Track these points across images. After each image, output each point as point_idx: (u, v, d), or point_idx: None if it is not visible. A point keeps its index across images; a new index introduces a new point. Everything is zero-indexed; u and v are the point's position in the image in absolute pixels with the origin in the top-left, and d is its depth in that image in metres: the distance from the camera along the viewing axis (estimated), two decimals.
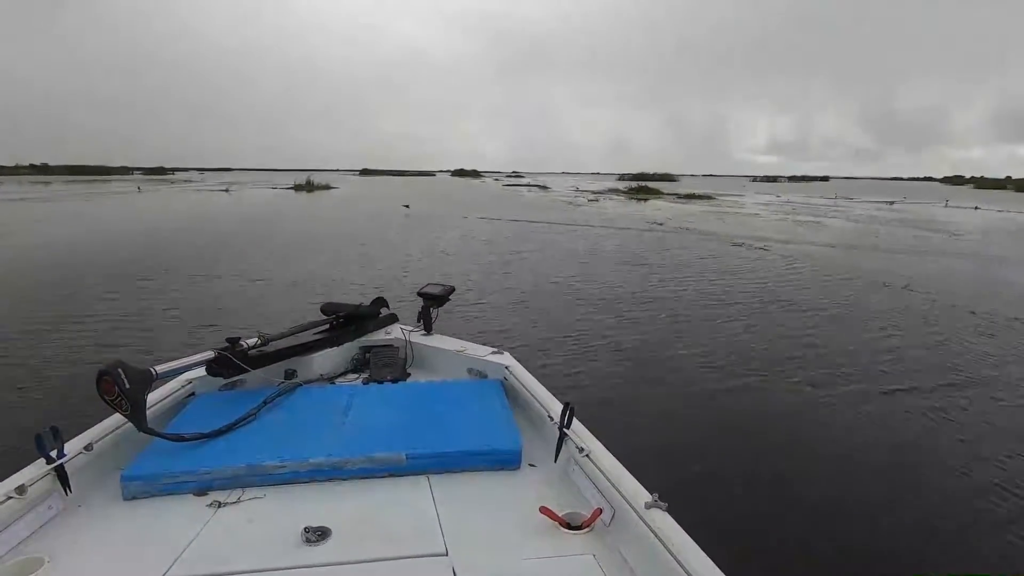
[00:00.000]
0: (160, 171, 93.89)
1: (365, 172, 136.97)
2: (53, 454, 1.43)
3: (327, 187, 43.12)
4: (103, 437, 1.61)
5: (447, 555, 1.26)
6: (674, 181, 78.27)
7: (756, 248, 12.54)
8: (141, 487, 1.49)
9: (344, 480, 1.57)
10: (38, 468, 1.40)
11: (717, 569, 1.06)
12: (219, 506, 1.46)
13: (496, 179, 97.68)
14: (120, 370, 1.55)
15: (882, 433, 3.64)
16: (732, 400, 4.08)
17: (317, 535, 1.31)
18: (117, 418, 1.66)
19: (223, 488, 1.52)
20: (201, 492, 1.51)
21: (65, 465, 1.43)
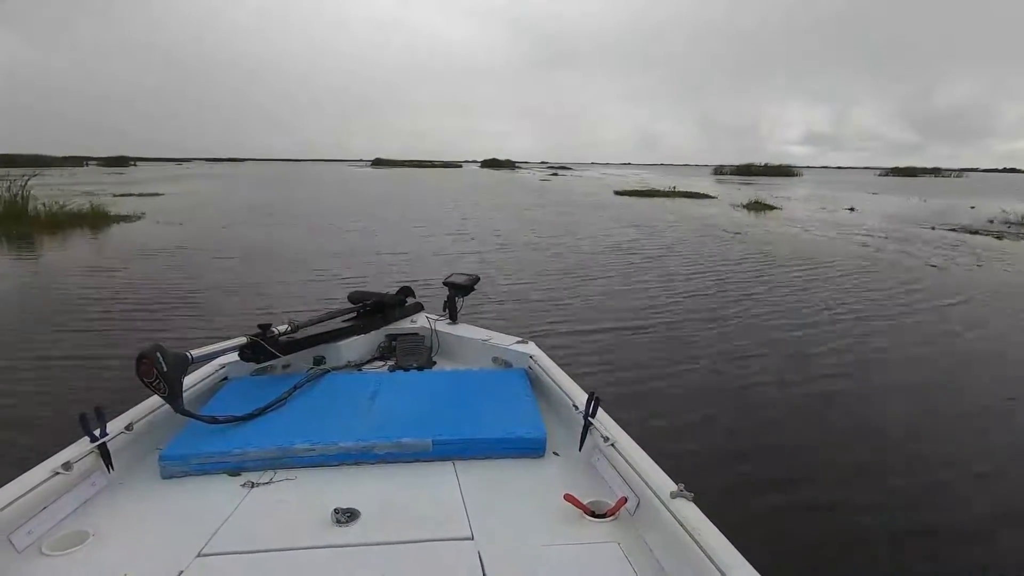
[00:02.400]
0: (120, 161, 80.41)
1: (378, 163, 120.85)
2: (96, 433, 1.49)
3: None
4: (142, 418, 1.67)
5: (472, 539, 1.28)
6: (794, 175, 64.89)
7: None
8: (178, 467, 1.55)
9: (372, 464, 1.60)
10: (82, 446, 1.47)
11: (745, 560, 1.04)
12: (252, 486, 1.50)
13: (523, 171, 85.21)
14: (159, 354, 1.60)
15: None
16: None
17: (347, 516, 1.34)
18: (155, 400, 1.72)
19: (256, 469, 1.57)
20: (235, 473, 1.56)
21: (107, 444, 1.50)
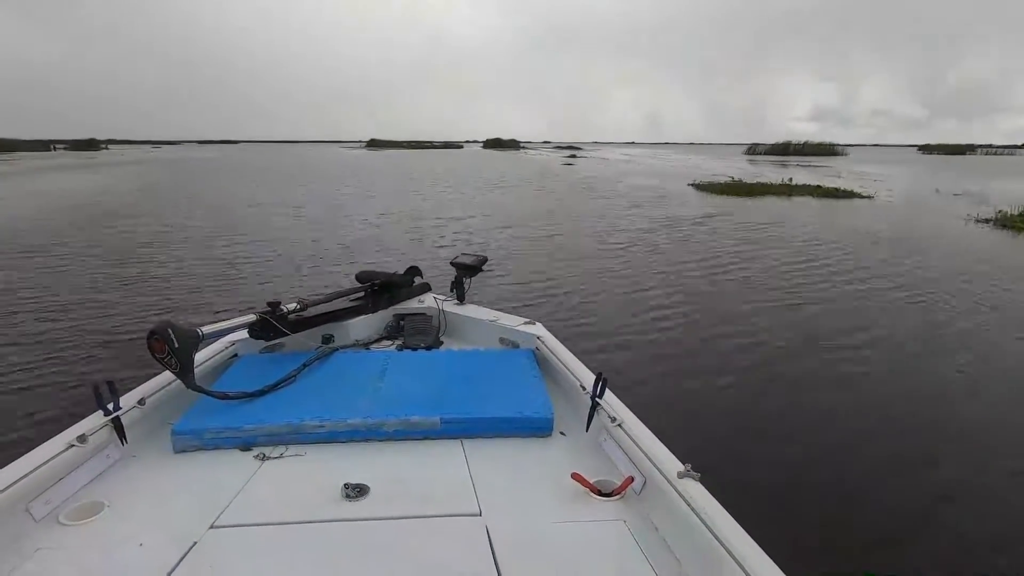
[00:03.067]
0: (89, 144, 75.83)
1: (373, 144, 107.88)
2: (110, 407, 1.52)
3: None
4: (154, 393, 1.70)
5: (480, 515, 1.30)
6: (837, 155, 57.17)
7: None
8: (190, 441, 1.57)
9: (380, 441, 1.62)
10: (96, 419, 1.49)
11: (750, 539, 1.05)
12: (263, 461, 1.53)
13: (530, 150, 77.22)
14: (169, 330, 1.62)
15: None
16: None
17: (356, 491, 1.36)
18: (167, 375, 1.74)
19: (266, 444, 1.59)
20: (246, 448, 1.58)
21: (121, 417, 1.52)
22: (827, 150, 59.73)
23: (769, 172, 27.33)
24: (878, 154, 79.50)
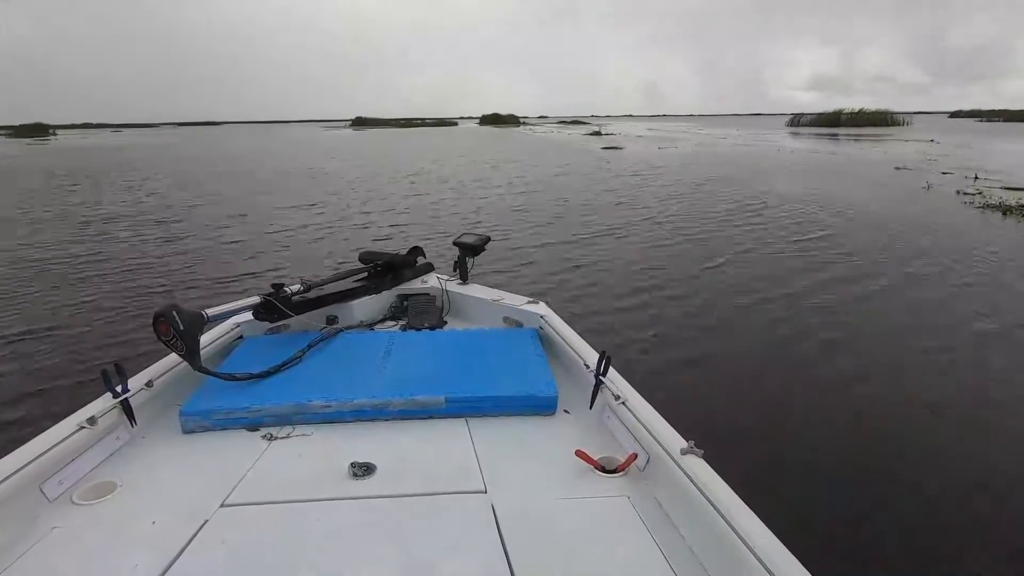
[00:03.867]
0: (35, 130, 69.26)
1: (359, 122, 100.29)
2: (118, 389, 1.53)
3: None
4: (162, 375, 1.72)
5: (486, 492, 1.32)
6: (898, 126, 49.16)
7: None
8: (198, 422, 1.60)
9: (386, 420, 1.64)
10: (105, 402, 1.51)
11: (753, 515, 1.07)
12: (271, 440, 1.55)
13: (536, 127, 67.70)
14: (175, 312, 1.62)
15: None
16: None
17: (363, 470, 1.38)
18: (173, 358, 1.76)
19: (273, 425, 1.61)
20: (253, 428, 1.60)
21: (129, 400, 1.54)
22: (883, 118, 51.30)
23: (910, 152, 21.79)
24: (931, 123, 65.82)
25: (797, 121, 56.58)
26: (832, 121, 52.08)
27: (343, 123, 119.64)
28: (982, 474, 2.70)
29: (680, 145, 29.71)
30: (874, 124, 50.16)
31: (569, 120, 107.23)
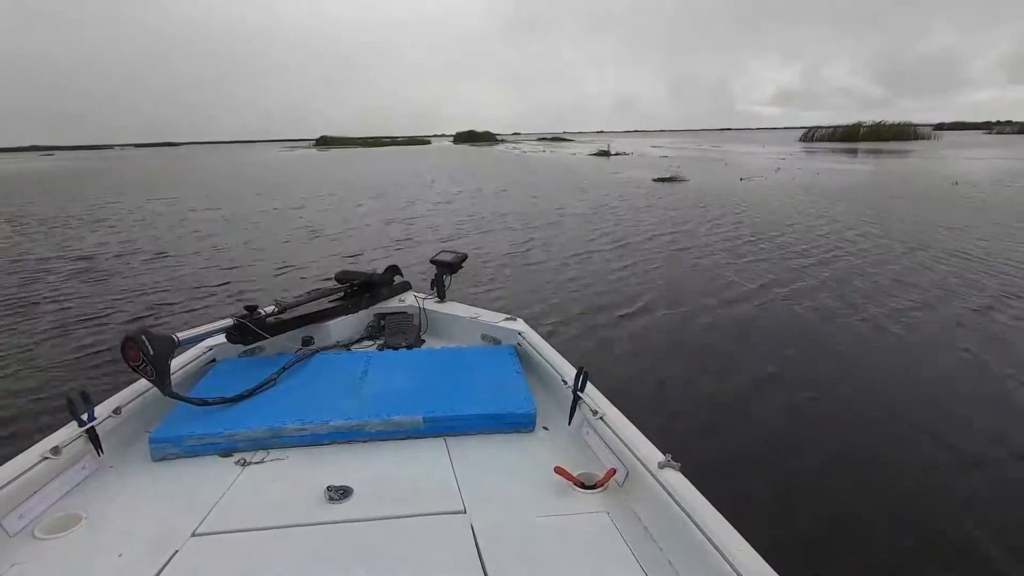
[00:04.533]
0: None
1: (324, 142, 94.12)
2: (84, 417, 1.49)
3: None
4: (130, 401, 1.67)
5: (465, 512, 1.31)
6: (922, 139, 46.63)
7: None
8: (168, 449, 1.55)
9: (363, 442, 1.62)
10: (70, 430, 1.46)
11: (730, 526, 1.09)
12: (244, 466, 1.52)
13: (518, 144, 62.04)
14: (144, 337, 1.59)
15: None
16: None
17: (340, 494, 1.36)
18: (143, 383, 1.71)
19: (247, 450, 1.58)
20: (226, 454, 1.57)
21: (96, 428, 1.49)
22: (907, 132, 48.04)
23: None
24: (960, 137, 61.07)
25: (811, 136, 53.70)
26: (850, 135, 49.58)
27: (307, 143, 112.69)
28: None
29: (761, 176, 19.23)
30: (897, 137, 47.82)
31: (549, 137, 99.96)
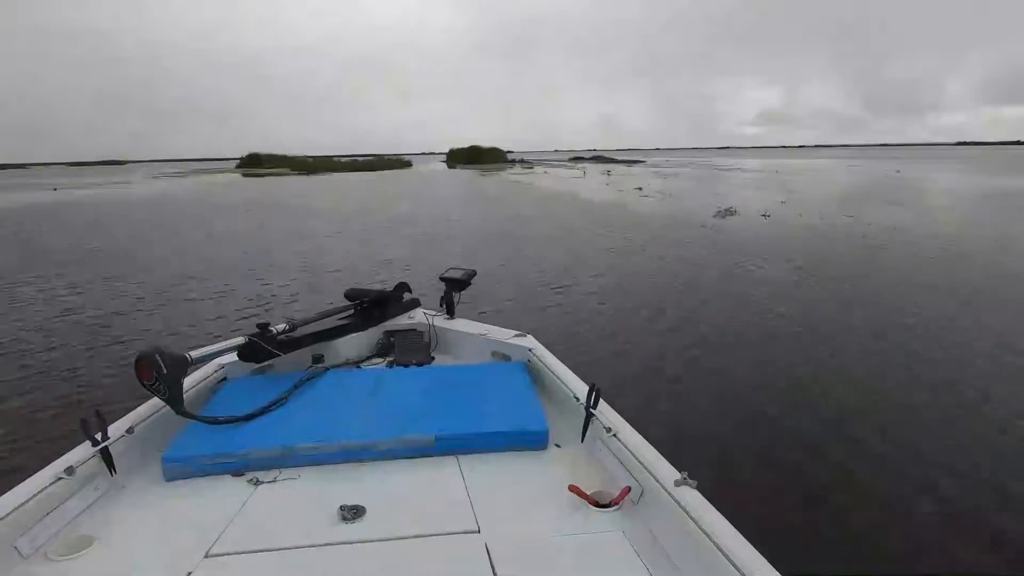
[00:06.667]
0: None
1: (252, 163, 60.03)
2: (98, 437, 1.48)
3: None
4: (143, 420, 1.66)
5: (479, 532, 1.31)
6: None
7: None
8: (181, 469, 1.55)
9: (375, 461, 1.62)
10: (84, 450, 1.46)
11: (750, 546, 1.08)
12: (257, 485, 1.51)
13: (541, 168, 44.74)
14: (157, 356, 1.59)
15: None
16: None
17: (353, 513, 1.35)
18: (155, 402, 1.71)
19: (259, 469, 1.57)
20: (238, 473, 1.56)
21: (109, 448, 1.49)
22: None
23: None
24: (989, 153, 55.53)
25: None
26: None
27: (232, 160, 76.67)
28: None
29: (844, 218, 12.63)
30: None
31: (588, 156, 78.78)
